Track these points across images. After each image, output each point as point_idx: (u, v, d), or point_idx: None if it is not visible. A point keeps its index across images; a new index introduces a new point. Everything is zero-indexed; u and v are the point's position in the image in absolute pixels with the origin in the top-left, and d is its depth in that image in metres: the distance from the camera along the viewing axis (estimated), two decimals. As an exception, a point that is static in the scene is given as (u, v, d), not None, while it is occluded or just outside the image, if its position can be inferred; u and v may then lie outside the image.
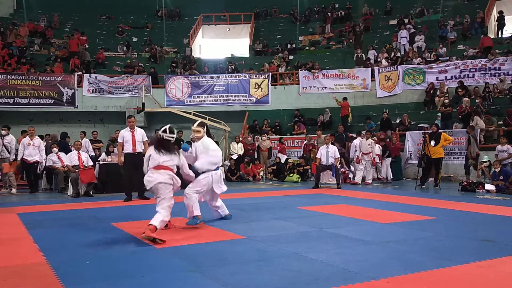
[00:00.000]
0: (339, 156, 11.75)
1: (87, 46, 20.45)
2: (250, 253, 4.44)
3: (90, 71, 19.04)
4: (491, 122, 13.57)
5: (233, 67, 20.06)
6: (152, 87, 18.53)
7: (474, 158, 12.01)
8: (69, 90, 18.06)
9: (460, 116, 14.35)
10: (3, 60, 18.41)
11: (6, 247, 4.84)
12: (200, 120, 6.77)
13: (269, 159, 15.49)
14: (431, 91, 16.53)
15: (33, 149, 11.07)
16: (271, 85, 18.88)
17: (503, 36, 19.66)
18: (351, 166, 13.40)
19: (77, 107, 18.13)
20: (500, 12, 19.93)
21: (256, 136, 15.98)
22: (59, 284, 3.44)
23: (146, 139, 9.27)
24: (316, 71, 18.75)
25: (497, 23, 20.07)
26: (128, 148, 9.02)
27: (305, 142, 15.21)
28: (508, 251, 4.39)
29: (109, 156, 11.28)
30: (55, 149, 11.32)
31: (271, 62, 20.30)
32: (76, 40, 20.11)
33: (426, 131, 11.42)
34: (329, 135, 13.28)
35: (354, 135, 14.24)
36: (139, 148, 9.07)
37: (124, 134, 9.12)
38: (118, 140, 9.21)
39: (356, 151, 13.23)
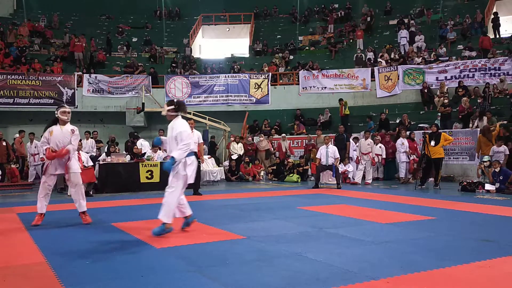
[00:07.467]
0: (338, 156, 11.76)
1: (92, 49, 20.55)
2: (250, 253, 4.43)
3: (90, 71, 19.04)
4: (491, 122, 13.57)
5: (230, 65, 20.04)
6: (152, 87, 18.52)
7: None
8: (69, 90, 18.06)
9: (460, 116, 14.36)
10: (3, 60, 18.39)
11: (6, 247, 4.84)
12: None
13: (266, 159, 15.45)
14: (426, 91, 16.53)
15: None
16: (271, 85, 18.87)
17: (502, 36, 19.65)
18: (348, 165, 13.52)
19: (77, 107, 18.09)
20: (495, 14, 19.97)
21: (250, 136, 15.94)
22: (59, 284, 3.44)
23: (202, 141, 10.11)
24: (316, 71, 18.75)
25: (492, 24, 20.07)
26: None
27: (306, 142, 15.18)
28: (508, 251, 4.39)
29: (109, 157, 11.26)
30: None
31: (271, 62, 20.28)
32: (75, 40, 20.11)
33: (426, 131, 11.43)
34: (329, 135, 13.31)
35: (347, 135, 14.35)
36: (195, 148, 9.71)
37: None
38: None
39: (354, 150, 13.22)
